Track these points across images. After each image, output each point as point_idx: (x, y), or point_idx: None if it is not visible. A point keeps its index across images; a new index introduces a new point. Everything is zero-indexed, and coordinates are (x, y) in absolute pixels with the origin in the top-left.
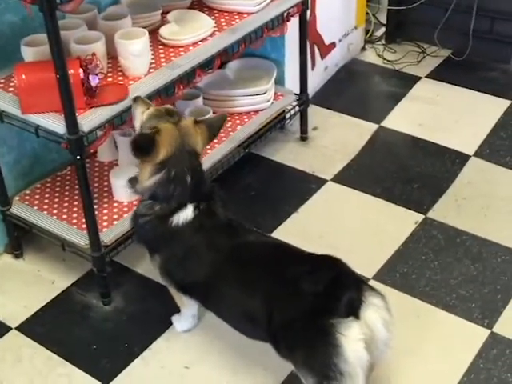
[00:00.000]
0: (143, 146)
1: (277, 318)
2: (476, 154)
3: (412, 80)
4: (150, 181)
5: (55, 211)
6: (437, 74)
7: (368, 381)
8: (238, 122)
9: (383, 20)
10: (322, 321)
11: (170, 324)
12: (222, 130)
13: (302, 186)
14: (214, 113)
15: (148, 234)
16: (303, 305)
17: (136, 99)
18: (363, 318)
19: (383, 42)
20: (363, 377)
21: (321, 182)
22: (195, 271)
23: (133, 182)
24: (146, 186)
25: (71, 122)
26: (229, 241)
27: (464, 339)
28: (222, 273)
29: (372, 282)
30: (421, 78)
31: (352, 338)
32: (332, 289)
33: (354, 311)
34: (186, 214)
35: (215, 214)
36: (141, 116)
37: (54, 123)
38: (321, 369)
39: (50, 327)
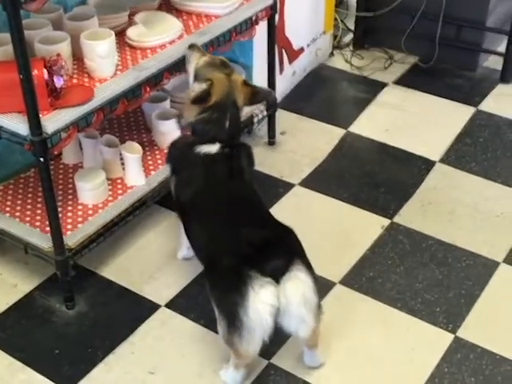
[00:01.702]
0: (201, 100)
1: (214, 251)
2: (442, 160)
3: (379, 86)
4: (195, 119)
5: (18, 213)
6: (404, 81)
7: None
8: None
9: (351, 26)
10: (244, 268)
11: (134, 328)
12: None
13: (270, 190)
14: None
15: (174, 154)
16: (238, 247)
17: (192, 46)
18: (283, 286)
19: (351, 47)
20: (260, 338)
21: (288, 187)
22: (186, 193)
23: (179, 117)
24: (190, 122)
25: (34, 124)
26: (223, 182)
27: (428, 343)
28: (199, 202)
29: (338, 286)
30: (388, 84)
31: (260, 297)
32: (269, 248)
33: (275, 276)
34: (211, 148)
35: (232, 160)
36: (196, 61)
37: (17, 124)
38: (228, 311)
39: (11, 332)
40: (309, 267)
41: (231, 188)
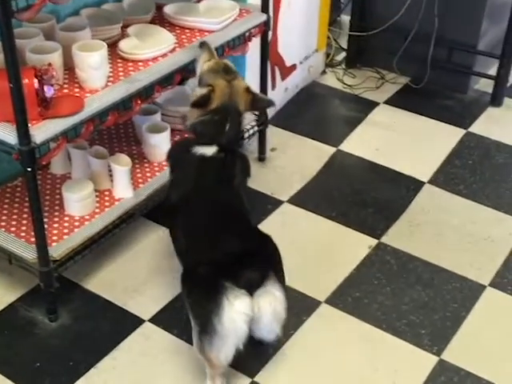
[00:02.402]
0: (200, 104)
1: (192, 258)
2: (430, 181)
3: (370, 105)
4: (197, 120)
5: (3, 223)
6: (395, 101)
7: None
8: None
9: (344, 45)
10: (220, 279)
11: (118, 343)
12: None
13: (258, 206)
14: (172, 129)
15: (173, 152)
16: (214, 256)
17: (203, 45)
18: (257, 299)
19: (343, 66)
20: (233, 346)
21: (277, 203)
22: (175, 194)
23: (184, 118)
24: (192, 123)
25: (23, 133)
26: (211, 187)
27: (413, 365)
28: (185, 204)
29: (324, 306)
30: (379, 103)
31: (235, 307)
32: (245, 259)
33: (249, 289)
34: (208, 150)
35: (224, 166)
36: (202, 63)
37: (6, 133)
38: (202, 319)
39: None
40: (282, 282)
41: (218, 194)
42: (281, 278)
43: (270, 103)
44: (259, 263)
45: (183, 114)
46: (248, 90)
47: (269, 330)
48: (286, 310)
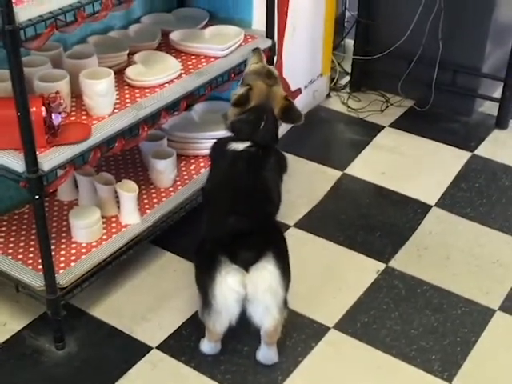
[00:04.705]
0: (239, 103)
1: (204, 232)
2: (437, 205)
3: (375, 129)
4: (235, 118)
5: (10, 250)
6: (400, 124)
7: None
8: (202, 164)
9: (348, 69)
10: (217, 254)
11: (125, 370)
12: (186, 171)
13: None
14: (178, 155)
15: (212, 149)
16: (219, 233)
17: (255, 50)
18: (251, 275)
19: (348, 90)
20: (227, 319)
21: (283, 228)
22: (208, 183)
23: (224, 116)
24: (231, 121)
25: (31, 161)
26: (238, 175)
27: None
28: (213, 190)
29: (332, 332)
30: (384, 127)
31: (227, 282)
32: (247, 238)
33: (245, 265)
34: (240, 145)
35: (253, 157)
36: (249, 65)
37: (13, 161)
38: (202, 291)
39: None
40: (281, 263)
41: (243, 181)
42: (280, 259)
43: (300, 118)
44: (260, 242)
45: (224, 113)
46: (286, 97)
47: (264, 307)
48: (284, 290)
